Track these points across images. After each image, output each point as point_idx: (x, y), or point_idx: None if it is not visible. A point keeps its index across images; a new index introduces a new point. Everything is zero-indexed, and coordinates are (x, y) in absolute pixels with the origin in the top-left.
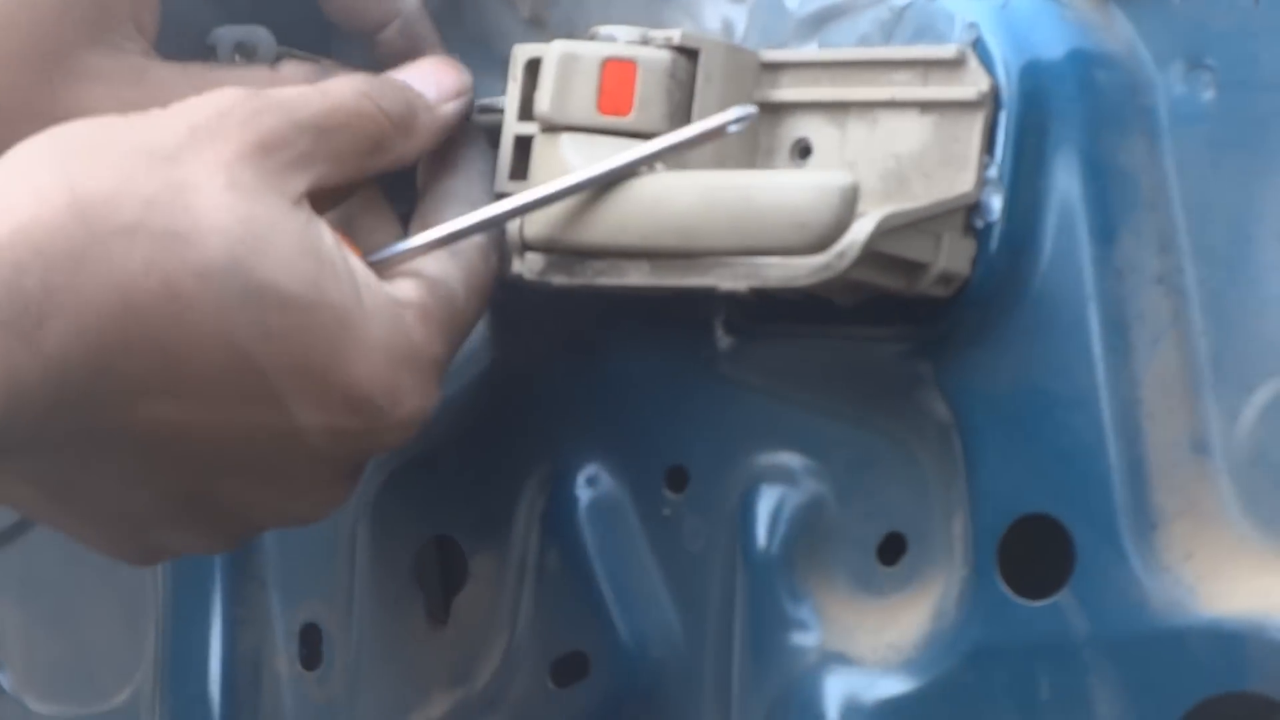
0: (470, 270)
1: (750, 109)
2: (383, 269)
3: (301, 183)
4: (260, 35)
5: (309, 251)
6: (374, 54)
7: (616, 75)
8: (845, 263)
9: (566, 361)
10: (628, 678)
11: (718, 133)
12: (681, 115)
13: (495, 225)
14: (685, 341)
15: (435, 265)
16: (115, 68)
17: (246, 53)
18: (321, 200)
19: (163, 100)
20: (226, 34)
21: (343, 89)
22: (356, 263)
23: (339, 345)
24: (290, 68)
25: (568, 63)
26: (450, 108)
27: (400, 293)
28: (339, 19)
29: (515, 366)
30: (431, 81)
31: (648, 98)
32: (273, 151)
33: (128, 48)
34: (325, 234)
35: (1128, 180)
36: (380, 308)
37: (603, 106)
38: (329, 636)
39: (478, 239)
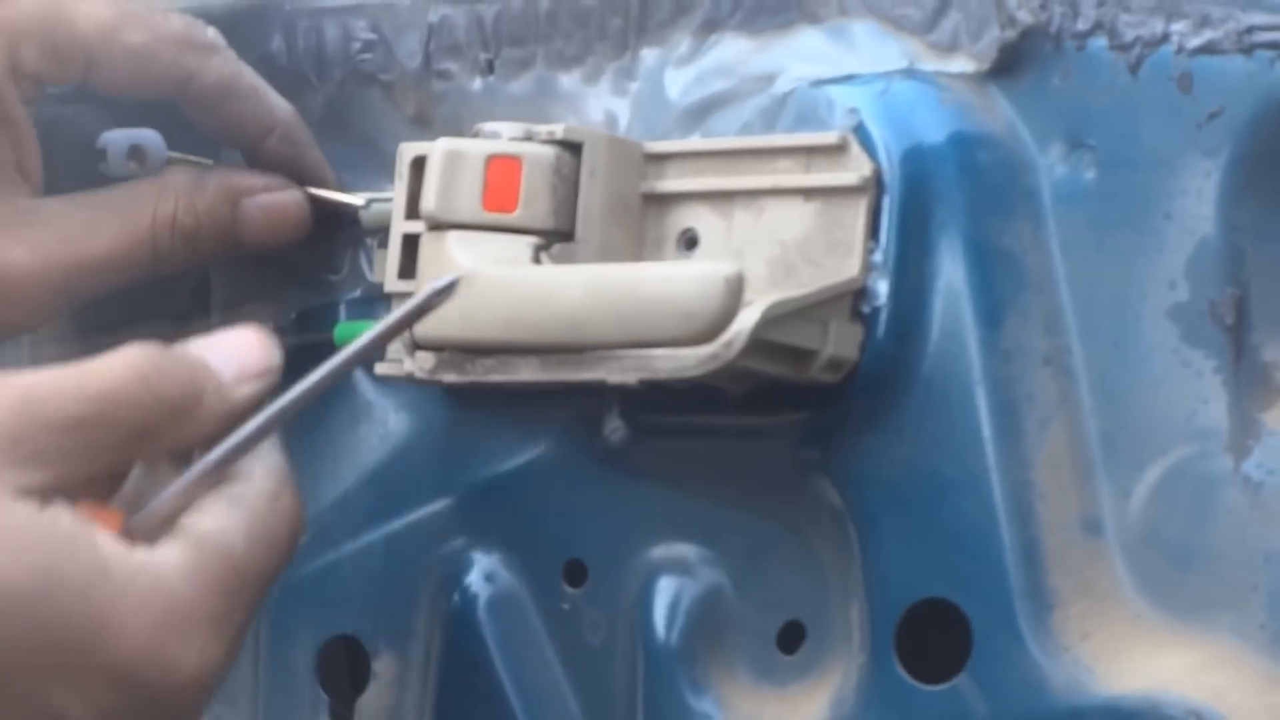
0: (253, 518)
1: (451, 278)
2: (149, 532)
3: (37, 477)
4: (149, 138)
5: (35, 543)
6: (257, 166)
7: (501, 172)
8: (733, 352)
9: (459, 458)
10: None
11: (426, 309)
12: (567, 210)
13: (245, 446)
14: (579, 435)
15: (210, 520)
16: (4, 212)
17: (138, 156)
18: (89, 485)
19: (58, 234)
20: (117, 138)
21: (113, 373)
22: (104, 539)
23: (88, 627)
24: (176, 174)
25: (452, 160)
26: (246, 390)
27: (160, 557)
28: (218, 136)
29: (409, 462)
30: (233, 359)
31: (533, 193)
32: (4, 449)
33: (14, 192)
34: (59, 519)
35: (1012, 261)
36: (132, 577)
37: (488, 204)
38: None
39: (264, 485)
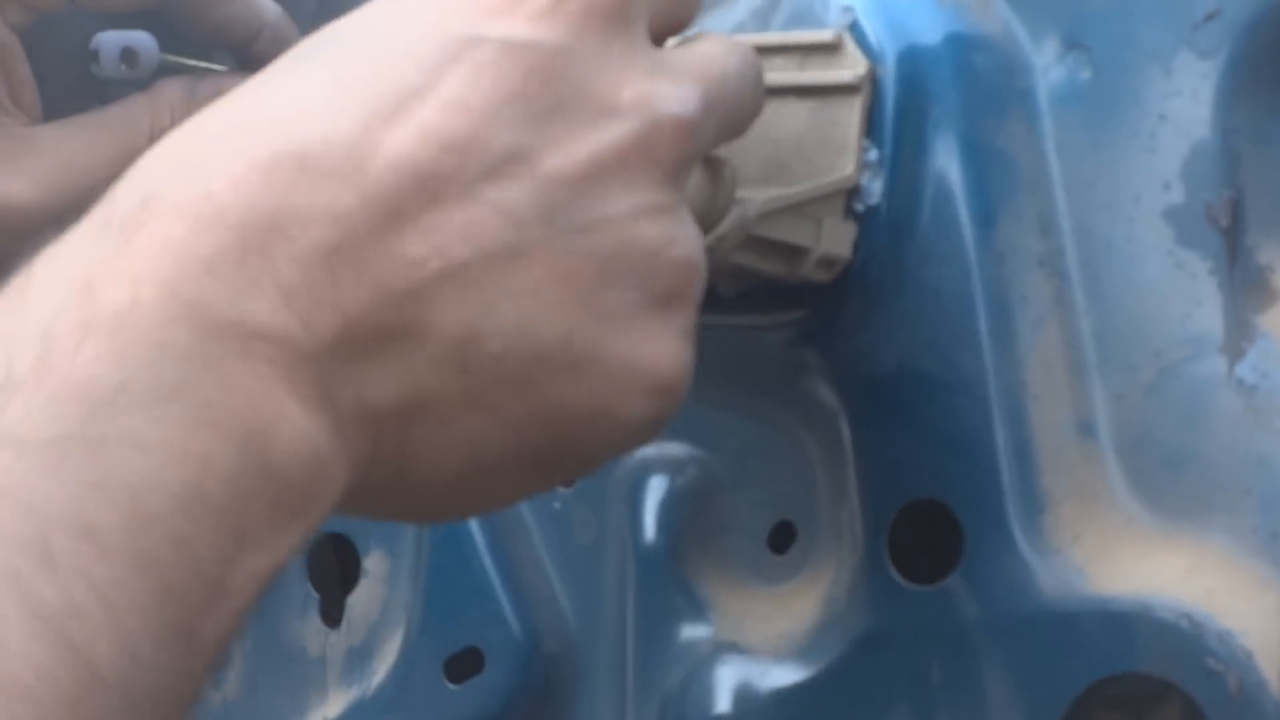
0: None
1: None
2: None
3: None
4: (142, 40)
5: None
6: (246, 68)
7: None
8: (726, 247)
9: None
10: (522, 673)
11: None
12: None
13: None
14: None
15: None
16: (4, 145)
17: (129, 59)
18: None
19: (57, 162)
20: (110, 39)
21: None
22: None
23: None
24: (169, 86)
25: None
26: None
27: None
28: (206, 39)
29: None
30: None
31: None
32: None
33: (7, 123)
34: None
35: (1007, 162)
36: None
37: None
38: None
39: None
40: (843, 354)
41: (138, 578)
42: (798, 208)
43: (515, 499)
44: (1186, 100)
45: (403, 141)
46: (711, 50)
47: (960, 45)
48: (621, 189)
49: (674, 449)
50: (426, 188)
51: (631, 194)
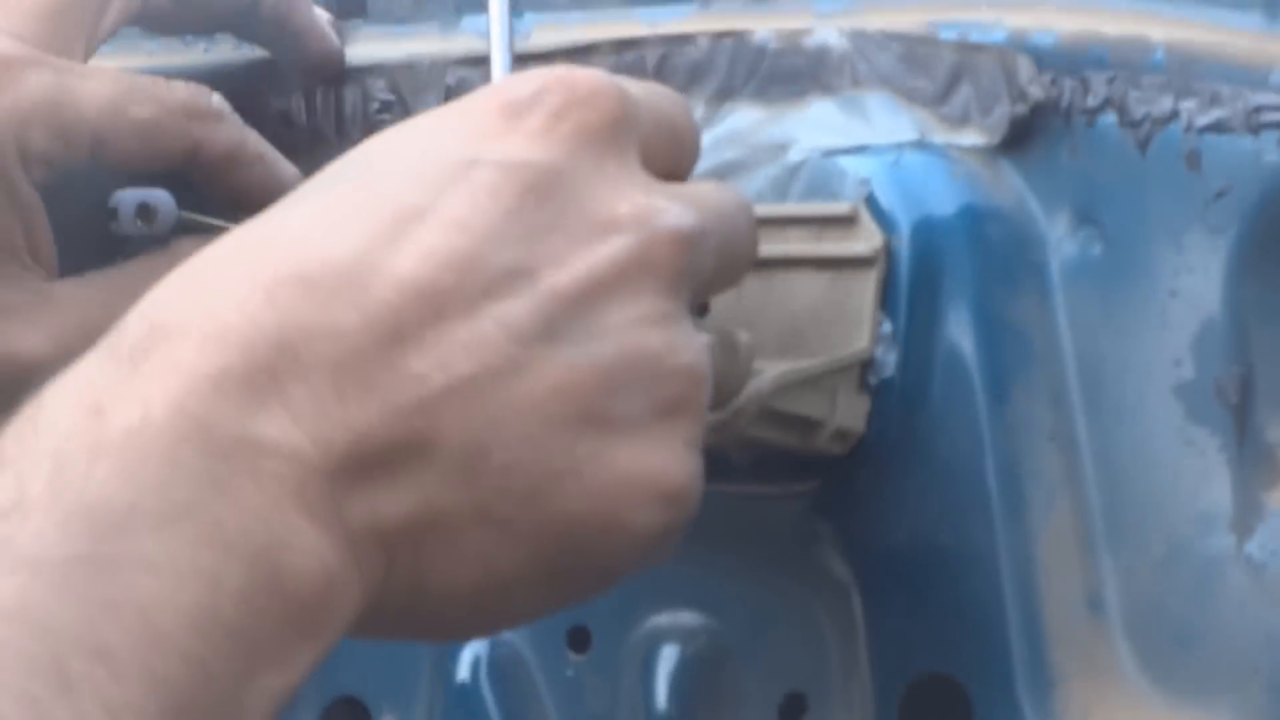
0: None
1: None
2: None
3: None
4: (160, 197)
5: None
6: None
7: None
8: (742, 420)
9: None
10: None
11: None
12: None
13: None
14: None
15: None
16: (18, 299)
17: (146, 215)
18: None
19: (73, 318)
20: (128, 197)
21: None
22: None
23: None
24: (185, 244)
25: None
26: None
27: None
28: (227, 201)
29: None
30: None
31: None
32: None
33: (26, 278)
34: None
35: (1020, 336)
36: None
37: None
38: None
39: None
40: (855, 526)
41: (152, 699)
42: (813, 380)
43: (534, 615)
44: (1197, 276)
45: (404, 260)
46: (706, 187)
47: (974, 217)
48: (622, 300)
49: (686, 618)
50: (429, 304)
51: (632, 305)
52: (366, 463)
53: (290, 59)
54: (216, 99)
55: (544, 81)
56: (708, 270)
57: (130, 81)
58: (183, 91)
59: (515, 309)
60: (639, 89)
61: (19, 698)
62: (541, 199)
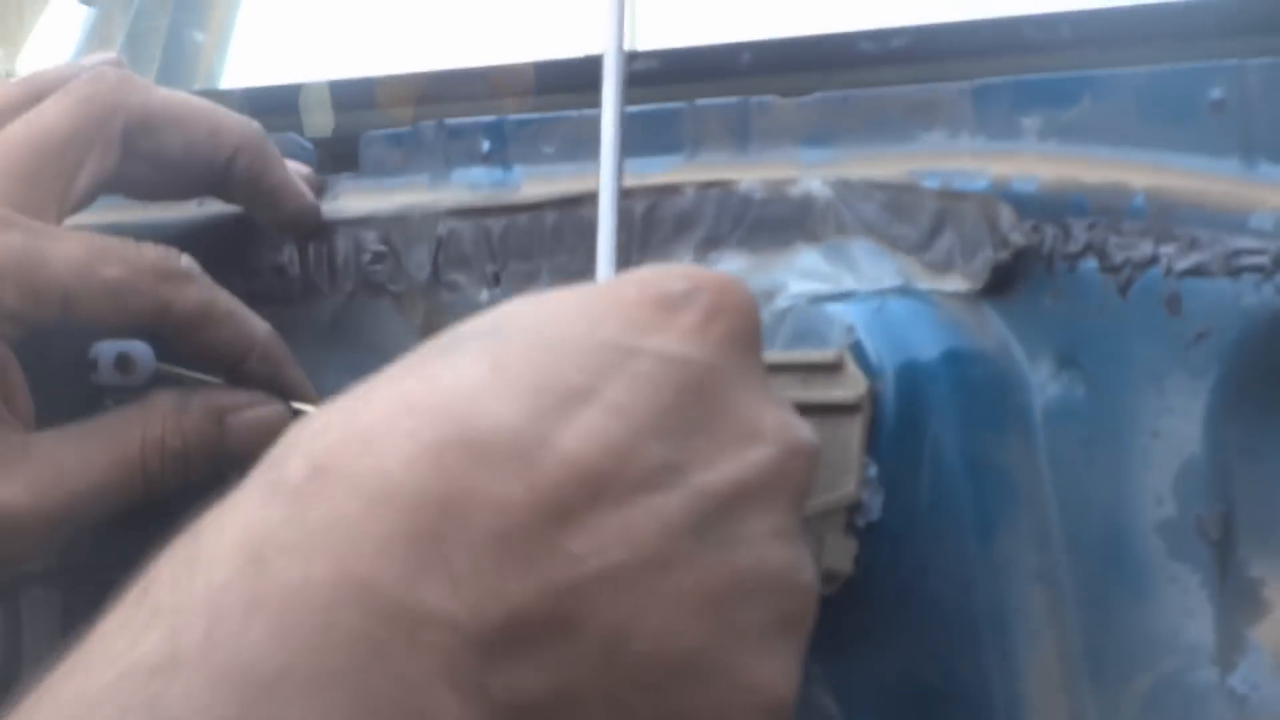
0: None
1: None
2: None
3: None
4: (139, 350)
5: None
6: (237, 384)
7: None
8: None
9: None
10: None
11: None
12: None
13: None
14: None
15: None
16: None
17: (125, 366)
18: None
19: (51, 469)
20: (107, 349)
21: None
22: None
23: None
24: (162, 397)
25: None
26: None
27: None
28: (198, 358)
29: None
30: None
31: None
32: None
33: (4, 430)
34: None
35: (1004, 477)
36: None
37: None
38: None
39: None
40: (844, 665)
41: None
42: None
43: None
44: (1178, 417)
45: (569, 439)
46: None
47: (958, 362)
48: (760, 511)
49: None
50: (591, 487)
51: (768, 516)
52: (516, 637)
53: (267, 218)
54: (186, 260)
55: (696, 280)
56: None
57: (101, 243)
58: (152, 253)
59: (667, 503)
60: None
61: None
62: (696, 398)
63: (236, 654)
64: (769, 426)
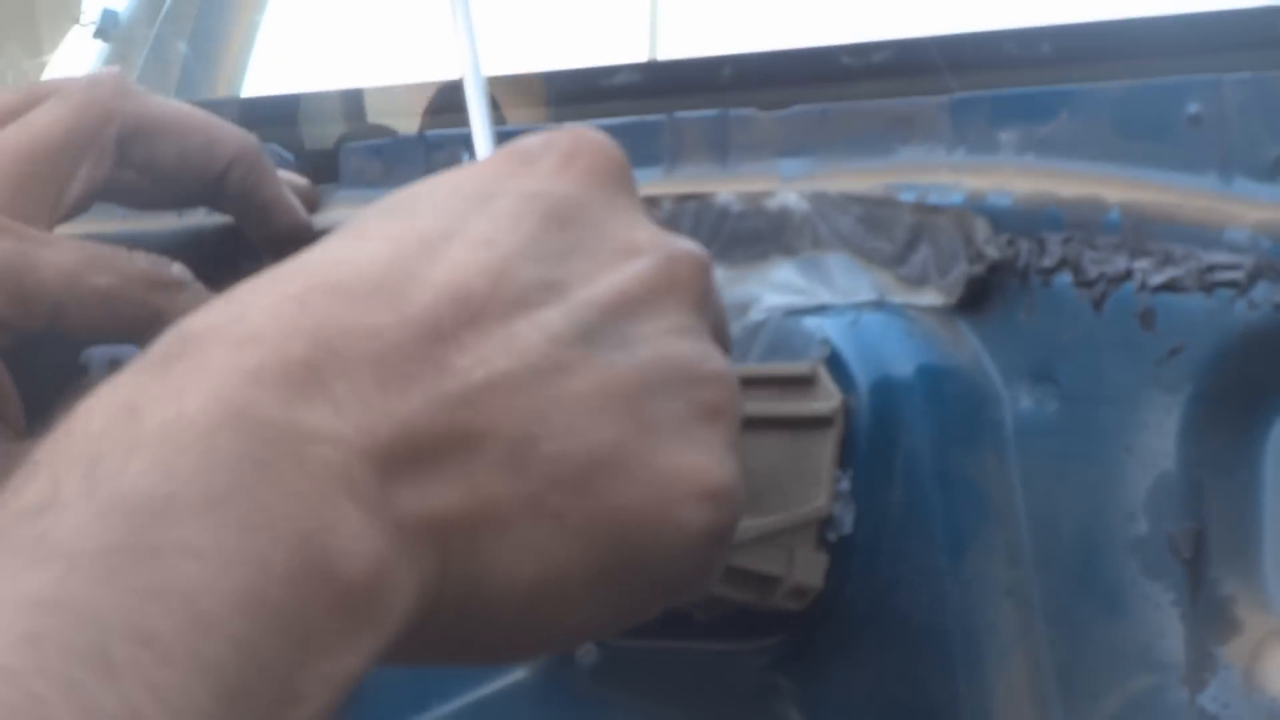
0: None
1: None
2: None
3: None
4: (131, 354)
5: None
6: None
7: None
8: None
9: (436, 683)
10: None
11: None
12: None
13: None
14: (555, 659)
15: None
16: None
17: (118, 370)
18: None
19: None
20: (99, 354)
21: None
22: None
23: None
24: None
25: None
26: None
27: None
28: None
29: (385, 688)
30: None
31: None
32: None
33: None
34: None
35: (976, 492)
36: None
37: None
38: None
39: None
40: (814, 681)
41: (201, 682)
42: (771, 537)
43: (591, 625)
44: (1151, 433)
45: (437, 271)
46: None
47: (931, 376)
48: (651, 313)
49: None
50: (464, 309)
51: (662, 317)
52: (413, 452)
53: (258, 233)
54: (178, 268)
55: (552, 135)
56: (718, 315)
57: (91, 251)
58: (143, 262)
59: (550, 316)
60: None
61: (61, 683)
62: (562, 224)
63: (119, 488)
64: (645, 241)
